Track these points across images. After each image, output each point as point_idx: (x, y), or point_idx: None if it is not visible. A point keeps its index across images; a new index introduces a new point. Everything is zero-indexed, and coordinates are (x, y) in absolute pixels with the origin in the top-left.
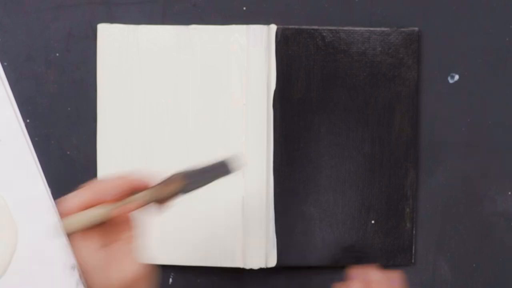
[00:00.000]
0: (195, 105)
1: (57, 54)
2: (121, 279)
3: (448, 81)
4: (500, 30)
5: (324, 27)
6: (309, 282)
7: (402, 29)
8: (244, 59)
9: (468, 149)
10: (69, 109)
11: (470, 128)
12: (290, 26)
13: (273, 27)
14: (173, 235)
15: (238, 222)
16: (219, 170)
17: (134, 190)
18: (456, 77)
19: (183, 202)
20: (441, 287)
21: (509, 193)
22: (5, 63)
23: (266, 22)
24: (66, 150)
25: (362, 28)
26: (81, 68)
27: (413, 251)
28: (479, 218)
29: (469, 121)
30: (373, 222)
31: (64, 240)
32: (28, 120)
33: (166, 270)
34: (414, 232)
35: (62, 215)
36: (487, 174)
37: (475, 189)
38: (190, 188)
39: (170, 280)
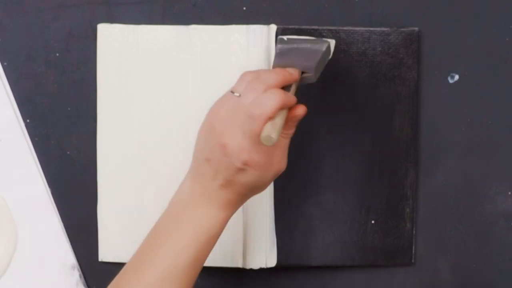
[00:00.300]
0: (195, 105)
1: (57, 54)
2: (277, 173)
3: (448, 81)
4: (500, 30)
5: (324, 27)
6: (309, 282)
7: (402, 29)
8: (244, 59)
9: (468, 149)
10: (69, 109)
11: (470, 128)
12: (290, 26)
13: (273, 27)
14: None
15: (238, 222)
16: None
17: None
18: (456, 77)
19: None
20: (441, 287)
21: (509, 193)
22: (5, 63)
23: (266, 22)
24: (66, 150)
25: (362, 28)
26: (81, 68)
27: (413, 251)
28: (479, 218)
29: (469, 121)
30: (373, 222)
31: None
32: (28, 120)
33: None
34: (414, 232)
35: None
36: (487, 174)
37: (475, 189)
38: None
39: None
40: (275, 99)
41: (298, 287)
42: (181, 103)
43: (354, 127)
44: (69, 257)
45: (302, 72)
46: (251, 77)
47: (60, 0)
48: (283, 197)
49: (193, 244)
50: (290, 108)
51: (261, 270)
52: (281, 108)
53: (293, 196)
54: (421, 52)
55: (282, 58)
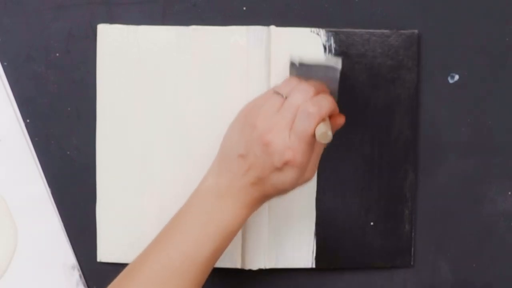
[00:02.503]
0: (195, 106)
1: (57, 54)
2: (306, 181)
3: (448, 81)
4: (500, 30)
5: (324, 28)
6: (308, 283)
7: (402, 31)
8: (244, 60)
9: (468, 149)
10: (69, 109)
11: (470, 128)
12: (290, 27)
13: (273, 29)
14: None
15: None
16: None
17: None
18: (456, 77)
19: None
20: (441, 287)
21: (509, 193)
22: (5, 63)
23: (266, 22)
24: (66, 150)
25: (362, 30)
26: (81, 68)
27: (412, 253)
28: (479, 218)
29: (469, 121)
30: (372, 224)
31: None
32: (28, 120)
33: None
34: (413, 234)
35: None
36: (487, 174)
37: (475, 189)
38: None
39: None
40: (329, 101)
41: None
42: (181, 103)
43: (354, 129)
44: (69, 257)
45: None
46: (298, 81)
47: (60, 0)
48: (282, 198)
49: (212, 239)
50: (330, 117)
51: (260, 271)
52: (331, 113)
53: (292, 197)
54: (421, 52)
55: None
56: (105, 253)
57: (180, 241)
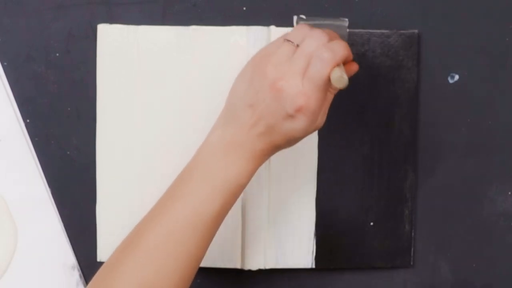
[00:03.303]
0: (195, 106)
1: (57, 54)
2: (317, 128)
3: (448, 81)
4: (500, 30)
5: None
6: (308, 284)
7: (402, 31)
8: (244, 60)
9: (468, 149)
10: (69, 109)
11: (470, 128)
12: (290, 27)
13: (273, 29)
14: None
15: (236, 223)
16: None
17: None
18: (456, 77)
19: None
20: (441, 287)
21: (509, 193)
22: (5, 63)
23: (266, 22)
24: (66, 150)
25: (362, 30)
26: (81, 68)
27: (412, 253)
28: (479, 218)
29: (469, 121)
30: (372, 224)
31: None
32: (28, 120)
33: None
34: (413, 234)
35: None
36: (487, 174)
37: (475, 189)
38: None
39: None
40: (344, 46)
41: None
42: (181, 103)
43: (354, 129)
44: (69, 257)
45: None
46: (309, 28)
47: (60, 0)
48: (282, 198)
49: (220, 193)
50: (344, 64)
51: (260, 271)
52: (345, 59)
53: (292, 197)
54: (421, 52)
55: None
56: (105, 253)
57: (188, 197)
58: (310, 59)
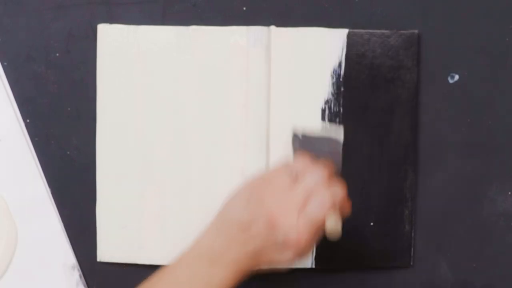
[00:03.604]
0: (194, 106)
1: (57, 54)
2: (301, 257)
3: (448, 81)
4: (500, 30)
5: (324, 28)
6: (308, 284)
7: (402, 32)
8: (244, 60)
9: (468, 149)
10: (69, 109)
11: (470, 128)
12: (290, 27)
13: (273, 29)
14: (172, 236)
15: None
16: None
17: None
18: (456, 77)
19: (182, 204)
20: (441, 287)
21: (509, 193)
22: (5, 63)
23: (266, 22)
24: (66, 150)
25: (362, 30)
26: (81, 68)
27: (412, 253)
28: (479, 218)
29: (469, 121)
30: (372, 224)
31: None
32: (28, 120)
33: None
34: (413, 234)
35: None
36: (487, 174)
37: (475, 189)
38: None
39: None
40: (343, 190)
41: None
42: (181, 103)
43: (354, 129)
44: (69, 257)
45: None
46: (310, 161)
47: (60, 0)
48: None
49: None
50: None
51: (260, 271)
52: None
53: None
54: (421, 52)
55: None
56: (105, 253)
57: None
58: (309, 196)
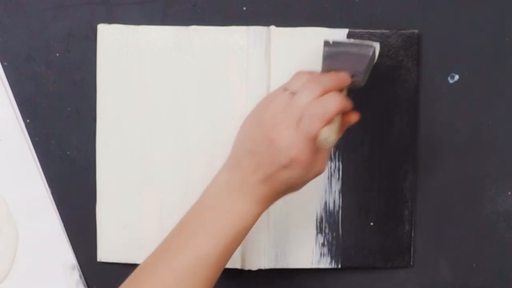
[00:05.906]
0: (194, 106)
1: (57, 54)
2: (317, 174)
3: (448, 81)
4: (500, 30)
5: (324, 28)
6: (308, 284)
7: (402, 32)
8: (244, 60)
9: (468, 149)
10: (69, 109)
11: (470, 128)
12: (290, 27)
13: (273, 29)
14: None
15: None
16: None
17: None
18: (456, 77)
19: (182, 204)
20: (441, 287)
21: (509, 193)
22: (5, 63)
23: (266, 22)
24: (66, 150)
25: (362, 30)
26: (81, 68)
27: (412, 253)
28: (479, 218)
29: (469, 121)
30: (372, 224)
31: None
32: (28, 120)
33: None
34: (412, 234)
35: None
36: (487, 174)
37: (475, 189)
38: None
39: None
40: (337, 102)
41: None
42: (181, 103)
43: (354, 129)
44: (69, 257)
45: (351, 76)
46: (307, 77)
47: (60, 0)
48: (282, 198)
49: (225, 237)
50: (343, 114)
51: (260, 271)
52: (341, 112)
53: (292, 197)
54: (421, 52)
55: (330, 62)
56: (105, 253)
57: (193, 239)
58: (303, 112)
